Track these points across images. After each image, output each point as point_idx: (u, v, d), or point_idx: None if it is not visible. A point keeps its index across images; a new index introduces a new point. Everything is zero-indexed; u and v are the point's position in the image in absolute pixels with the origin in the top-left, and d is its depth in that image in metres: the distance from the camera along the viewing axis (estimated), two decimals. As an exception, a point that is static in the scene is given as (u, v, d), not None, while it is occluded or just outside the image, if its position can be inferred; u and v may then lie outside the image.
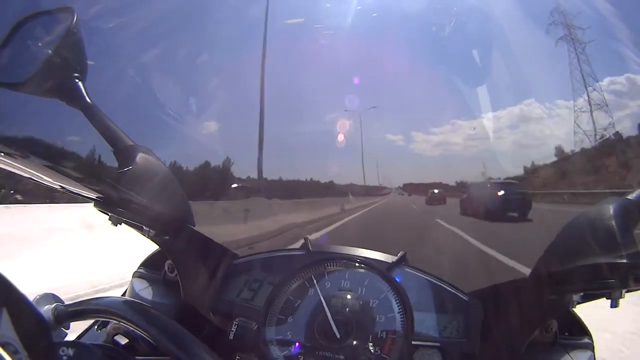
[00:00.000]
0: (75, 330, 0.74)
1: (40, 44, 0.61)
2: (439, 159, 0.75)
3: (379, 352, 0.61)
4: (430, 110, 0.75)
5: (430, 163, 0.76)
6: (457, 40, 0.70)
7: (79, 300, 0.64)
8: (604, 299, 0.56)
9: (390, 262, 0.68)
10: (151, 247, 0.80)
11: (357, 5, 0.71)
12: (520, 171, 0.73)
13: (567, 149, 0.71)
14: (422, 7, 0.70)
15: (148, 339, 0.57)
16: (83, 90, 0.62)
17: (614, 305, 0.54)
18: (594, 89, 0.68)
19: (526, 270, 0.64)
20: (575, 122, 0.69)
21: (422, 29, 0.69)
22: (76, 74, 0.61)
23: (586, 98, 0.68)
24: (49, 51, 0.59)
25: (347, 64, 0.72)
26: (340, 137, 0.70)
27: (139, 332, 0.58)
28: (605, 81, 0.68)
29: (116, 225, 0.64)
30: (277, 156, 0.76)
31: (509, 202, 0.77)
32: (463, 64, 0.72)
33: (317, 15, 0.72)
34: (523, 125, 0.70)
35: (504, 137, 0.71)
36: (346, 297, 0.65)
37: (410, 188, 0.85)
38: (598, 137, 0.70)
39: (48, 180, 0.77)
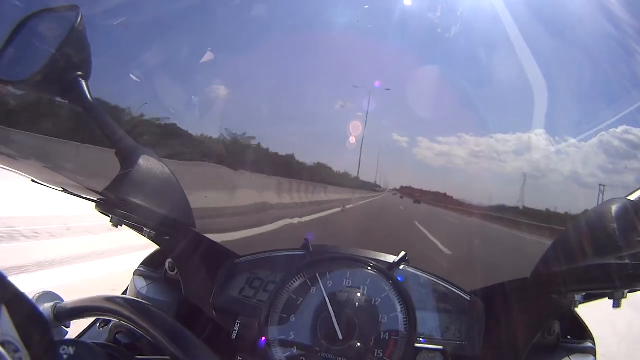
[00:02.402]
0: (77, 328, 0.75)
1: (44, 42, 0.61)
2: (440, 170, 0.74)
3: (382, 354, 0.61)
4: (439, 118, 0.74)
5: (431, 171, 0.75)
6: (471, 49, 0.70)
7: (78, 299, 0.64)
8: (606, 299, 0.56)
9: (392, 262, 0.68)
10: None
11: (365, 5, 0.71)
12: (515, 201, 0.72)
13: (568, 187, 0.71)
14: (431, 10, 0.70)
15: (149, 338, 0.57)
16: (86, 89, 0.62)
17: (616, 305, 0.54)
18: (607, 133, 0.67)
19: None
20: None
21: (433, 33, 0.69)
22: (79, 73, 0.62)
23: (596, 141, 0.68)
24: (53, 49, 0.59)
25: (353, 63, 0.72)
26: (352, 140, 0.70)
27: (140, 331, 0.58)
28: (620, 129, 0.67)
29: (117, 227, 0.64)
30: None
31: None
32: (476, 79, 0.71)
33: (323, 16, 0.72)
34: (529, 154, 0.69)
35: (507, 162, 0.70)
36: (348, 297, 0.64)
37: (425, 196, 0.80)
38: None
39: (49, 181, 0.77)
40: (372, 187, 0.79)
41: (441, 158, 0.72)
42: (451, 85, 0.72)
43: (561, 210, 0.70)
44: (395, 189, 0.81)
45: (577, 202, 0.69)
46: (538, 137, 0.68)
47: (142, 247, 0.82)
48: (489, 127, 0.70)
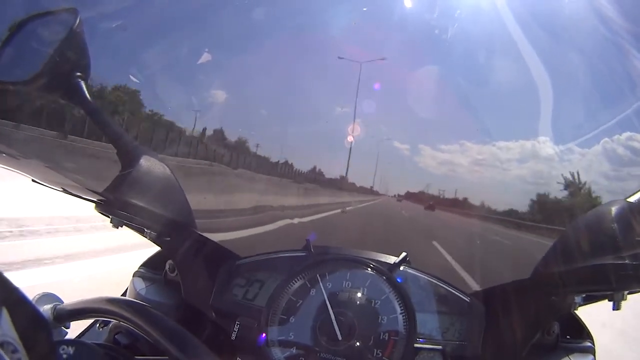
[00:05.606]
0: (77, 328, 0.75)
1: (43, 44, 0.61)
2: (442, 178, 0.74)
3: (381, 354, 0.61)
4: (441, 125, 0.73)
5: (432, 179, 0.75)
6: (470, 53, 0.69)
7: (78, 300, 0.64)
8: (606, 300, 0.56)
9: (392, 263, 0.68)
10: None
11: (362, 7, 0.71)
12: (519, 208, 0.72)
13: (572, 194, 0.70)
14: (429, 11, 0.70)
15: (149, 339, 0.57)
16: (85, 90, 0.62)
17: (616, 307, 0.54)
18: (611, 140, 0.67)
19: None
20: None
21: (432, 35, 0.69)
22: (78, 74, 0.62)
23: (600, 148, 0.68)
24: (52, 51, 0.59)
25: (352, 67, 0.72)
26: (350, 139, 0.70)
27: (139, 331, 0.58)
28: (624, 135, 0.67)
29: (117, 228, 0.64)
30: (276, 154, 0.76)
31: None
32: (476, 83, 0.71)
33: (321, 18, 0.72)
34: (532, 161, 0.68)
35: (510, 170, 0.70)
36: (348, 298, 0.65)
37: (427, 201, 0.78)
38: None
39: (49, 181, 0.77)
40: (371, 192, 0.79)
41: (443, 166, 0.71)
42: (452, 92, 0.72)
43: (563, 217, 0.70)
44: (399, 195, 0.80)
45: (580, 209, 0.68)
46: (542, 144, 0.68)
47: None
48: (491, 134, 0.70)
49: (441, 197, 0.75)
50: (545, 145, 0.68)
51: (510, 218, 0.73)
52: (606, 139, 0.67)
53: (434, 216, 0.79)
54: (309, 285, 0.66)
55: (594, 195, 0.68)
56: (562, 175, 0.69)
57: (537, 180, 0.72)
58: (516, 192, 0.72)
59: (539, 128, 0.68)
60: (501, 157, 0.69)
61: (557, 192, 0.70)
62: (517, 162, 0.69)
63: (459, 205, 0.75)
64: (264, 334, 0.63)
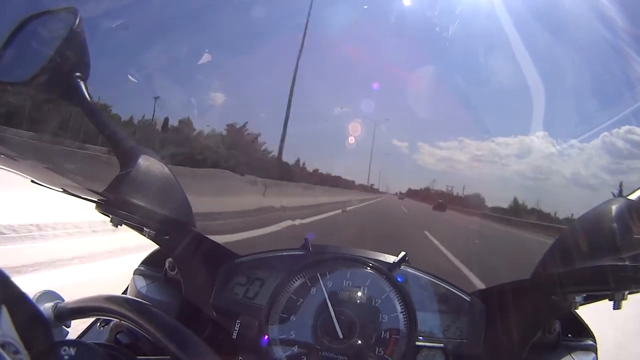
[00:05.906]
0: (78, 327, 0.75)
1: (42, 44, 0.61)
2: (441, 175, 0.74)
3: (382, 352, 0.61)
4: (439, 123, 0.73)
5: (432, 176, 0.75)
6: (470, 50, 0.69)
7: (79, 298, 0.64)
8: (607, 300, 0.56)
9: (392, 262, 0.68)
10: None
11: (363, 5, 0.71)
12: (519, 203, 0.72)
13: (571, 189, 0.70)
14: (430, 9, 0.70)
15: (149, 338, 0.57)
16: (85, 90, 0.62)
17: (616, 307, 0.54)
18: (610, 134, 0.67)
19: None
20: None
21: (432, 33, 0.68)
22: (78, 74, 0.62)
23: (599, 142, 0.67)
24: (51, 51, 0.59)
25: (352, 66, 0.71)
26: (352, 140, 0.70)
27: (140, 330, 0.58)
28: (623, 129, 0.67)
29: (117, 227, 0.64)
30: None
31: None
32: (475, 80, 0.70)
33: (322, 17, 0.72)
34: (531, 157, 0.68)
35: (509, 165, 0.70)
36: (348, 297, 0.65)
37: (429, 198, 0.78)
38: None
39: (49, 181, 0.78)
40: (372, 190, 0.79)
41: (442, 163, 0.71)
42: (451, 89, 0.72)
43: (564, 212, 0.70)
44: (401, 193, 0.80)
45: (580, 204, 0.68)
46: (540, 139, 0.68)
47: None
48: (490, 130, 0.70)
49: (448, 193, 0.75)
50: (544, 140, 0.68)
51: (511, 217, 0.73)
52: (605, 132, 0.67)
53: (437, 215, 0.79)
54: (309, 284, 0.66)
55: (594, 189, 0.68)
56: (561, 170, 0.69)
57: (537, 175, 0.72)
58: (516, 187, 0.72)
59: (537, 123, 0.68)
60: (500, 152, 0.69)
61: (557, 187, 0.70)
62: (516, 157, 0.69)
63: (461, 202, 0.75)
64: (265, 333, 0.63)
